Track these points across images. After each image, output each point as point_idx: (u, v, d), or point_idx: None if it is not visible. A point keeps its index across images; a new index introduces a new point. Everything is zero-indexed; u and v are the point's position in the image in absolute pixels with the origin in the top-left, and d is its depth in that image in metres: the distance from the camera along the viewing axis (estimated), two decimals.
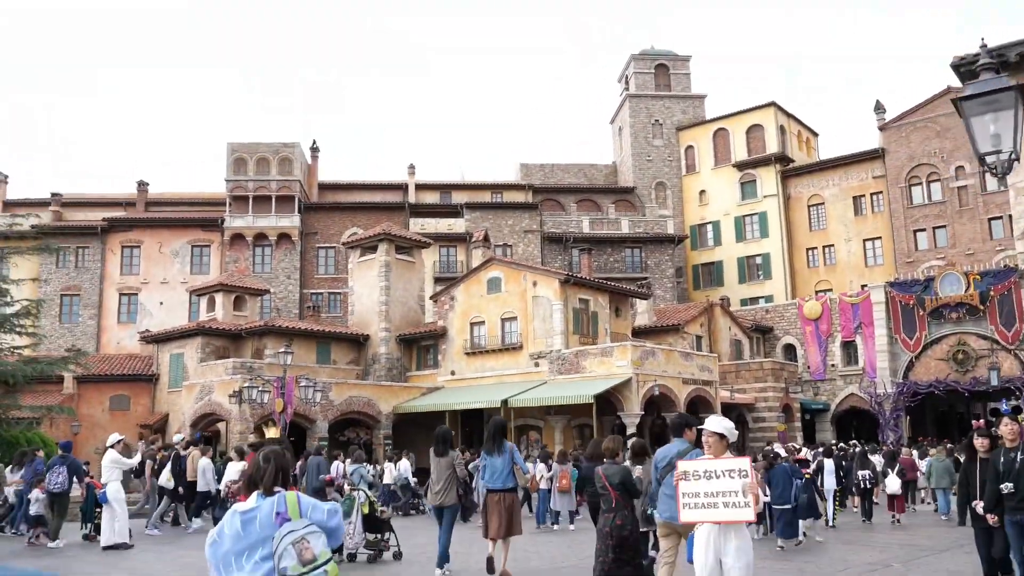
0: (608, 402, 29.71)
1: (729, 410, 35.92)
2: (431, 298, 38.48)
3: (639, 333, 37.22)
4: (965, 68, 18.95)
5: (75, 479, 14.91)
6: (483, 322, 34.59)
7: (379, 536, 12.99)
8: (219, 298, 37.06)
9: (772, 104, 55.07)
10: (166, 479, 17.09)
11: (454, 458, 10.88)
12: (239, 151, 49.02)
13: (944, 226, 47.22)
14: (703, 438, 6.35)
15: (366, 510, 12.83)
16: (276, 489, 3.97)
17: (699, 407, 33.19)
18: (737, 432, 6.58)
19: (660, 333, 38.15)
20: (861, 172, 50.89)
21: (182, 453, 17.35)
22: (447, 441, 10.99)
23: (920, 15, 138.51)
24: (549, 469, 18.38)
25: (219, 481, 17.36)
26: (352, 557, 12.67)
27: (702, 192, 56.94)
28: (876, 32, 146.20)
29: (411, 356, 37.48)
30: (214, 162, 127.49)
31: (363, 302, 37.90)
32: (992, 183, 45.84)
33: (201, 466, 17.54)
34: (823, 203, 52.21)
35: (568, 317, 32.64)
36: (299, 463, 18.44)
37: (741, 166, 54.99)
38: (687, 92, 60.28)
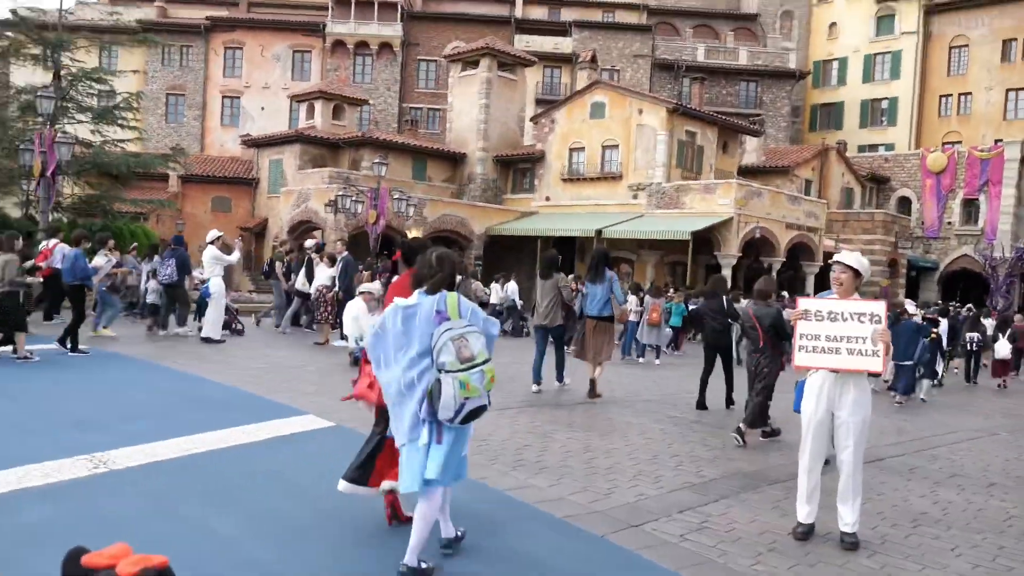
0: (705, 241, 28.64)
1: (829, 259, 34.37)
2: (531, 120, 37.16)
3: (745, 172, 35.37)
4: None
5: (184, 272, 15.05)
6: (583, 148, 33.33)
7: None
8: (318, 106, 36.63)
9: None
10: (302, 282, 16.93)
11: (559, 281, 10.80)
12: None
13: None
14: (832, 274, 5.43)
15: None
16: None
17: (800, 254, 31.81)
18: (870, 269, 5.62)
19: (768, 174, 36.18)
20: (1019, 10, 45.52)
21: (313, 257, 17.28)
22: (554, 264, 11.01)
23: None
24: (641, 303, 17.80)
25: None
26: None
27: (832, 25, 52.28)
28: None
29: (507, 178, 36.77)
30: None
31: (461, 119, 36.92)
32: None
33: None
34: (967, 45, 47.33)
35: (672, 149, 31.07)
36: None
37: None
38: None
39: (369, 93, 45.44)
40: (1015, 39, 45.63)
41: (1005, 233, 38.05)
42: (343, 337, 13.41)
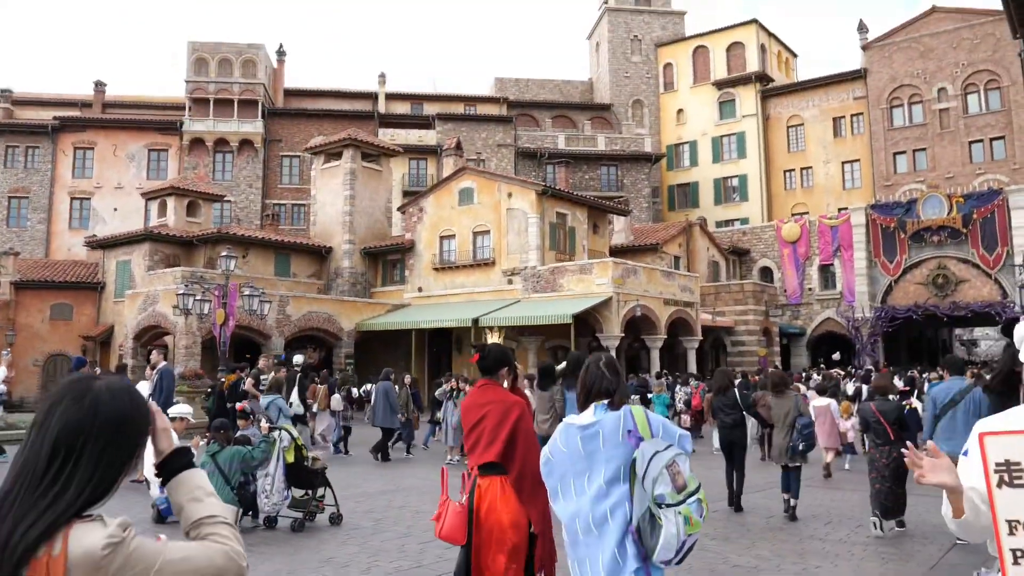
0: (586, 323, 26.19)
1: (708, 333, 32.68)
2: (399, 209, 34.33)
3: (616, 252, 33.51)
4: None
5: None
6: (454, 236, 30.64)
7: (309, 493, 9.29)
8: (171, 202, 32.56)
9: (754, 21, 50.52)
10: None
11: (555, 392, 10.33)
12: (200, 51, 43.61)
13: (924, 149, 43.64)
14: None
15: (290, 458, 9.11)
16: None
17: (680, 330, 29.85)
18: None
19: (638, 252, 34.50)
20: (842, 93, 46.89)
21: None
22: (550, 374, 10.57)
23: None
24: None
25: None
26: (271, 522, 8.98)
27: (680, 111, 52.65)
28: None
29: (376, 271, 33.53)
30: (174, 64, 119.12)
31: (326, 212, 33.64)
32: (974, 106, 42.28)
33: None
34: (802, 124, 48.29)
35: (544, 232, 28.79)
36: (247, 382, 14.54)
37: (720, 85, 50.68)
38: (667, 8, 55.34)
39: (230, 190, 41.61)
40: (843, 117, 46.82)
41: (862, 294, 37.69)
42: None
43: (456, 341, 30.28)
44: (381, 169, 34.53)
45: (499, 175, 31.56)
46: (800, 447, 9.18)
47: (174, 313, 24.61)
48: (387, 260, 33.13)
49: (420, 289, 31.40)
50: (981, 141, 41.94)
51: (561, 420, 9.12)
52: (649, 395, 19.72)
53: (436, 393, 15.32)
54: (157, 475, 1.74)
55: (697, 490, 3.10)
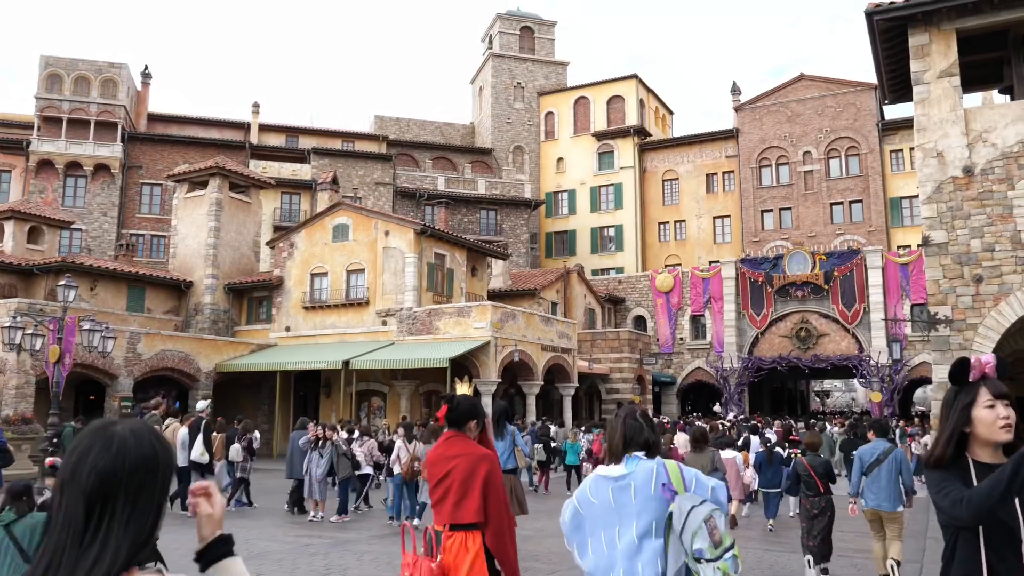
0: (462, 367, 25.49)
1: (584, 380, 32.66)
2: (268, 244, 32.78)
3: (494, 296, 33.18)
4: (879, 16, 16.00)
5: None
6: (326, 273, 29.42)
7: None
8: (9, 227, 29.76)
9: (634, 76, 52.26)
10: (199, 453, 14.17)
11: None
12: (55, 66, 40.73)
13: (790, 208, 46.00)
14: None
15: None
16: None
17: (556, 376, 29.63)
18: None
19: (516, 297, 34.30)
20: (715, 151, 48.98)
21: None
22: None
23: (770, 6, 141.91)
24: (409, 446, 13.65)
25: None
26: None
27: (560, 159, 53.53)
28: (734, 24, 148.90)
29: (241, 308, 31.72)
30: (24, 79, 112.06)
31: (188, 244, 31.65)
32: (836, 170, 45.01)
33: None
34: (677, 179, 50.02)
35: (422, 272, 28.06)
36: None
37: (600, 136, 51.94)
38: (550, 58, 56.51)
39: (81, 217, 38.72)
40: (715, 173, 48.81)
41: (731, 344, 38.88)
42: None
43: (325, 384, 28.89)
44: (250, 201, 32.95)
45: (376, 212, 30.69)
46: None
47: (3, 349, 22.19)
48: (253, 297, 31.43)
49: (288, 329, 29.88)
50: (841, 203, 44.58)
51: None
52: (553, 443, 19.53)
53: (300, 442, 14.14)
54: (196, 560, 1.67)
55: (732, 545, 3.03)
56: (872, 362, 35.79)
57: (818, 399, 65.02)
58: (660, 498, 3.10)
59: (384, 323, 27.74)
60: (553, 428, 23.06)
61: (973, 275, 15.25)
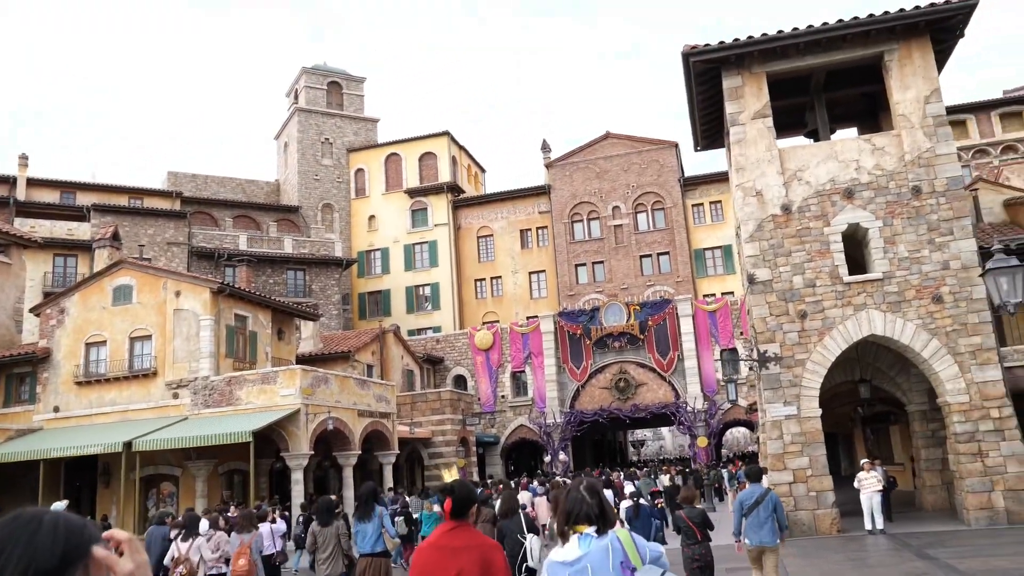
0: (268, 441, 22.88)
1: (404, 445, 30.66)
2: (32, 311, 28.47)
3: (304, 361, 30.66)
4: (695, 58, 16.13)
5: None
6: (104, 342, 25.78)
7: None
8: None
9: (446, 134, 51.94)
10: None
11: (339, 528, 10.08)
12: None
13: (602, 261, 46.86)
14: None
15: None
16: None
17: (375, 444, 27.49)
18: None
19: (328, 361, 31.94)
20: (528, 207, 49.31)
21: None
22: (331, 510, 10.35)
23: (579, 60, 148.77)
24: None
25: None
26: None
27: (372, 217, 51.87)
28: (543, 83, 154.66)
29: None
30: None
31: None
32: (643, 223, 46.50)
33: None
34: (492, 235, 49.79)
35: (220, 336, 25.22)
36: None
37: (413, 193, 50.93)
38: (360, 114, 55.20)
39: None
40: (530, 229, 49.04)
41: (552, 399, 38.37)
42: None
43: (104, 472, 25.04)
44: (10, 262, 28.63)
45: (166, 270, 27.47)
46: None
47: None
48: (13, 374, 26.97)
49: (56, 409, 25.78)
50: (650, 256, 45.97)
51: (346, 556, 9.87)
52: (415, 515, 17.93)
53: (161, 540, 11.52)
54: None
55: None
56: (689, 408, 36.45)
57: (634, 449, 66.37)
58: (621, 574, 3.10)
59: (176, 396, 24.53)
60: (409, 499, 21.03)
61: (798, 311, 15.18)
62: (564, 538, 3.21)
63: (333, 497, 11.14)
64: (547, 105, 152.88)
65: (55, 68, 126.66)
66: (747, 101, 16.04)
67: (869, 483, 14.44)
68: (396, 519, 17.34)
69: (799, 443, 14.60)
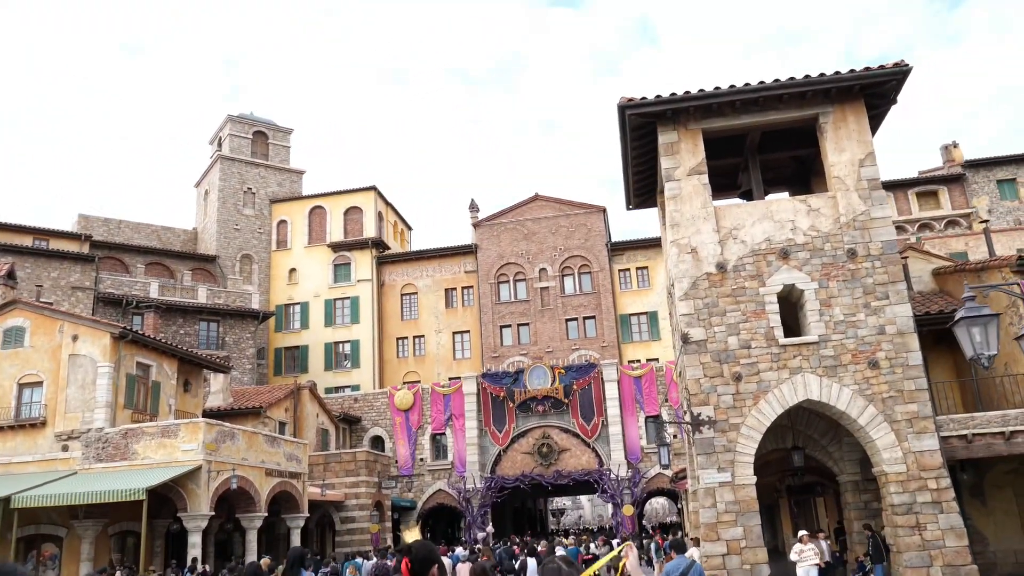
0: (165, 500, 21.07)
1: (315, 509, 28.90)
2: None
3: (213, 416, 28.82)
4: (631, 111, 15.96)
5: None
6: None
7: None
8: None
9: (373, 188, 51.17)
10: None
11: None
12: None
13: (527, 324, 46.29)
14: None
15: None
16: None
17: (283, 505, 25.75)
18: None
19: (238, 416, 30.18)
20: (454, 265, 48.65)
21: None
22: (303, 563, 9.71)
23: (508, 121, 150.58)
24: None
25: None
26: None
27: (292, 270, 50.32)
28: (472, 142, 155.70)
29: None
30: None
31: None
32: (570, 287, 46.31)
33: None
34: (416, 293, 48.81)
35: (119, 385, 23.39)
36: None
37: (337, 247, 49.73)
38: (285, 165, 54.04)
39: None
40: (455, 288, 48.29)
41: (473, 464, 37.15)
42: None
43: None
44: None
45: (63, 312, 25.53)
46: None
47: None
48: None
49: None
50: (576, 319, 45.65)
51: None
52: None
53: None
54: None
55: None
56: (613, 476, 35.71)
57: (554, 517, 65.02)
58: None
59: (65, 448, 22.50)
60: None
61: (732, 373, 14.72)
62: None
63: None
64: (475, 166, 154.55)
65: None
66: (683, 157, 15.85)
67: (807, 556, 13.86)
68: None
69: (733, 512, 13.97)
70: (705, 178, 15.76)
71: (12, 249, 38.10)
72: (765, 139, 16.79)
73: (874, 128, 15.63)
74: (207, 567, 21.49)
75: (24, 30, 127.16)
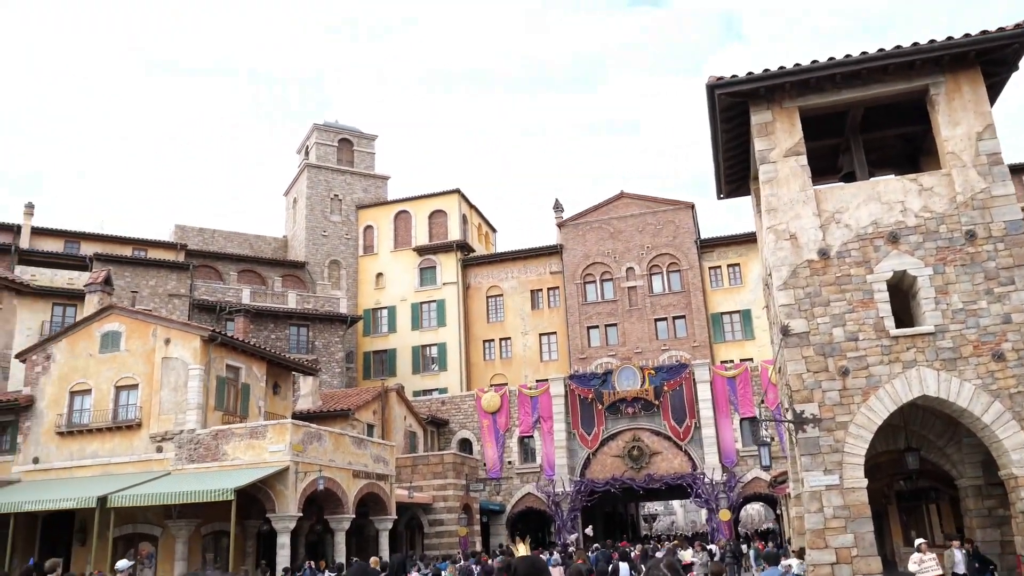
0: (254, 500, 21.20)
1: (403, 511, 28.76)
2: (17, 357, 27.15)
3: (301, 418, 29.05)
4: (721, 90, 15.04)
5: None
6: (89, 390, 24.34)
7: None
8: None
9: (456, 191, 51.16)
10: None
11: None
12: None
13: (615, 324, 45.29)
14: None
15: None
16: None
17: (371, 508, 25.67)
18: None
19: (326, 419, 30.34)
20: (540, 267, 48.10)
21: None
22: (404, 569, 9.39)
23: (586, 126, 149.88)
24: None
25: None
26: None
27: (379, 275, 50.74)
28: (556, 140, 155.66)
29: None
30: None
31: None
32: (658, 286, 45.12)
33: None
34: (502, 295, 48.46)
35: (210, 387, 23.75)
36: None
37: (422, 251, 49.88)
38: (370, 171, 54.64)
39: None
40: (540, 290, 47.72)
41: (562, 467, 36.46)
42: None
43: (80, 529, 23.30)
44: (1, 307, 27.44)
45: (156, 316, 26.10)
46: None
47: None
48: None
49: (36, 460, 24.21)
50: (665, 319, 44.43)
51: None
52: None
53: None
54: None
55: None
56: (707, 480, 34.44)
57: (646, 523, 63.58)
58: None
59: (159, 449, 22.96)
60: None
61: (839, 367, 13.61)
62: None
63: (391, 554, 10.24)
64: (559, 167, 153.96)
65: (70, 120, 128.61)
66: (778, 137, 14.82)
67: (928, 567, 12.65)
68: None
69: (842, 518, 12.87)
70: (803, 159, 14.70)
71: (113, 259, 39.55)
72: (868, 116, 15.59)
73: (992, 98, 14.27)
74: (311, 563, 21.51)
75: (123, 51, 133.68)
